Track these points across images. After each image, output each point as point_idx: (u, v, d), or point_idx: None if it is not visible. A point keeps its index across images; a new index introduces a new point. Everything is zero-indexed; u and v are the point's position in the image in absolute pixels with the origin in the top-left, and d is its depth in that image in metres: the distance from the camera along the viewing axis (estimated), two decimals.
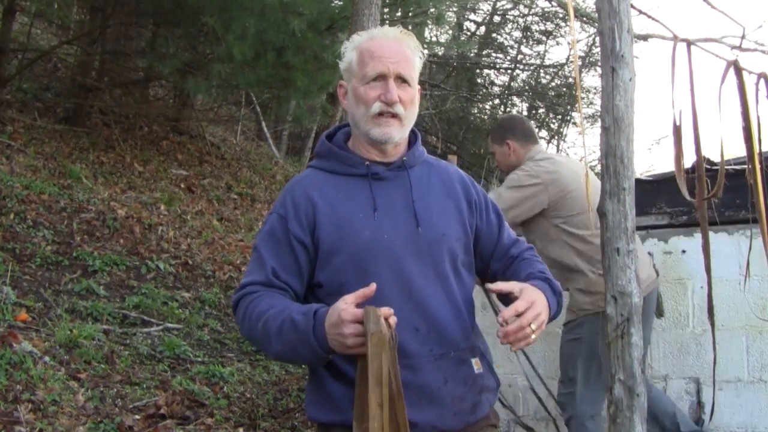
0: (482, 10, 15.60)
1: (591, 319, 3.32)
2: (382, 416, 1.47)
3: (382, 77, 1.76)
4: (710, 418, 3.69)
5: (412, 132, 1.89)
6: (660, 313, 3.86)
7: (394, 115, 1.77)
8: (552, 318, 1.74)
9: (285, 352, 1.64)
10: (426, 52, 1.86)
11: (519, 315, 1.61)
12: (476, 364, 1.77)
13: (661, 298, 3.75)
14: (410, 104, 1.80)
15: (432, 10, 9.10)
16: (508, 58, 15.99)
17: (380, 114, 1.76)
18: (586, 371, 3.35)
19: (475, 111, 16.35)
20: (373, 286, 1.57)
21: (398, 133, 1.79)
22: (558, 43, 15.50)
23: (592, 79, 15.61)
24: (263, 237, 1.79)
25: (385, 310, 1.52)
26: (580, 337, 3.38)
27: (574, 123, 15.81)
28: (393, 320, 1.54)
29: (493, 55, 16.03)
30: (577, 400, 3.35)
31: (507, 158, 3.69)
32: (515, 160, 3.65)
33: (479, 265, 1.89)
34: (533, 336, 1.62)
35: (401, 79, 1.77)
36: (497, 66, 16.16)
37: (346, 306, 1.53)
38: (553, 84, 15.84)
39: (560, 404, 3.47)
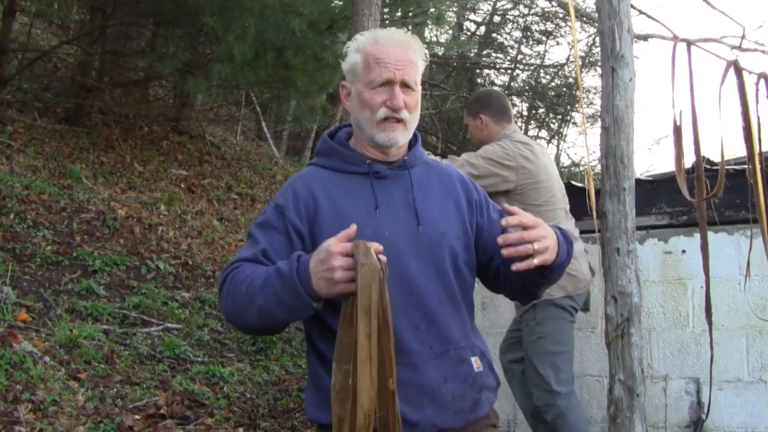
0: (482, 10, 15.61)
1: (544, 309, 3.35)
2: (370, 347, 1.45)
3: (388, 83, 1.77)
4: (706, 417, 3.69)
5: (413, 134, 1.90)
6: (586, 308, 3.90)
7: (399, 120, 1.78)
8: (561, 264, 1.70)
9: (267, 305, 1.59)
10: (426, 51, 1.86)
11: (524, 229, 1.59)
12: (476, 362, 1.78)
13: (589, 294, 3.79)
14: (414, 108, 1.81)
15: (432, 10, 9.10)
16: (508, 58, 16.00)
17: (385, 119, 1.77)
18: (554, 366, 3.36)
19: None
20: (354, 226, 1.56)
21: (402, 137, 1.81)
22: (558, 43, 15.52)
23: (592, 79, 15.61)
24: (258, 223, 1.79)
25: (375, 245, 1.51)
26: (542, 335, 3.39)
27: (574, 123, 15.82)
28: (384, 258, 1.53)
29: (493, 55, 16.04)
30: (556, 399, 3.35)
31: (479, 132, 3.71)
32: (486, 135, 3.66)
33: (483, 262, 1.88)
34: (535, 260, 1.58)
35: (406, 85, 1.78)
36: (497, 66, 16.16)
37: (335, 241, 1.53)
38: (553, 84, 15.84)
39: (542, 409, 3.43)
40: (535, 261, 1.60)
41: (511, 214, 1.62)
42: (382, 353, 1.49)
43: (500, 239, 1.59)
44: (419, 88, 1.83)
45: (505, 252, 1.59)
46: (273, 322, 1.66)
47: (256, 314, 1.62)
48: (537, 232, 1.60)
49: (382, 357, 1.49)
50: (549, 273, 1.72)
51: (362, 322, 1.46)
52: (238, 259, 1.74)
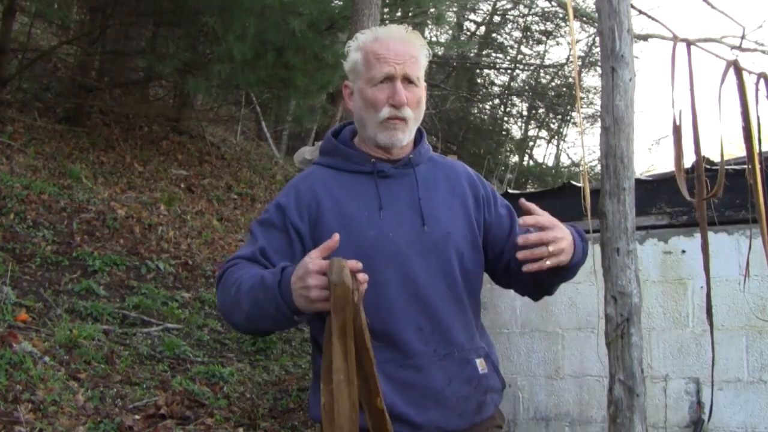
0: (482, 10, 15.62)
1: None
2: (348, 368, 1.43)
3: (389, 79, 1.75)
4: (708, 419, 3.68)
5: (418, 130, 1.87)
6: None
7: (402, 119, 1.76)
8: (576, 262, 1.70)
9: (252, 312, 1.59)
10: (428, 48, 1.85)
11: (541, 230, 1.59)
12: (481, 364, 1.76)
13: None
14: (417, 105, 1.79)
15: (432, 10, 9.10)
16: (508, 58, 16.01)
17: (388, 119, 1.75)
18: None
19: (475, 111, 16.37)
20: (336, 236, 1.53)
21: (405, 136, 1.78)
22: (558, 43, 15.52)
23: (592, 79, 15.64)
24: (260, 221, 1.78)
25: (351, 263, 1.47)
26: None
27: (574, 123, 15.83)
28: (362, 276, 1.49)
29: (493, 55, 16.05)
30: None
31: None
32: None
33: (492, 258, 1.86)
34: (548, 262, 1.58)
35: (408, 80, 1.76)
36: (497, 66, 16.17)
37: (314, 257, 1.50)
38: (553, 84, 15.86)
39: None
40: (548, 263, 1.59)
41: (528, 212, 1.61)
42: (366, 375, 1.45)
43: (520, 239, 1.58)
44: (422, 84, 1.81)
45: (520, 255, 1.59)
46: (259, 328, 1.67)
47: (244, 318, 1.62)
48: (553, 234, 1.60)
49: (366, 377, 1.45)
50: (564, 272, 1.71)
51: (338, 344, 1.43)
52: (236, 256, 1.73)
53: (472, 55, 15.31)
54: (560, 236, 1.61)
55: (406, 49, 1.77)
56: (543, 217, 1.62)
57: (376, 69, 1.75)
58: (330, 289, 1.42)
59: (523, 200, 1.66)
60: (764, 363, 3.68)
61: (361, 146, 1.83)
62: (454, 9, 12.98)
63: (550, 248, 1.59)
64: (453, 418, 1.70)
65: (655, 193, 4.02)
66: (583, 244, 1.73)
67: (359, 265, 1.49)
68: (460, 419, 1.71)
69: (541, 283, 1.79)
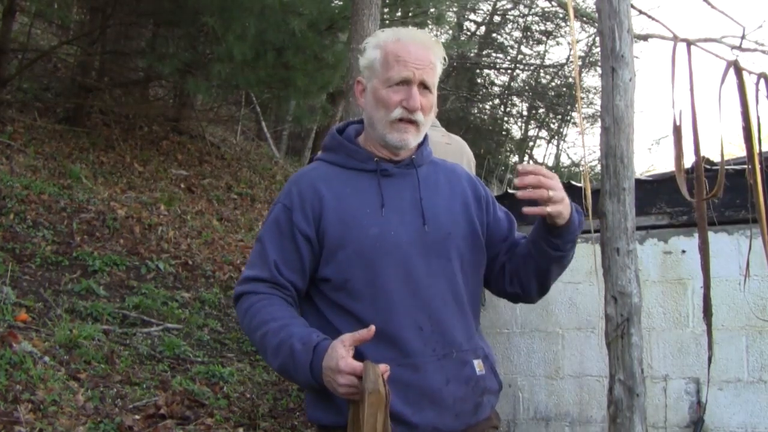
0: (482, 10, 15.61)
1: None
2: None
3: (405, 82, 1.74)
4: (702, 416, 3.68)
5: None
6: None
7: (413, 122, 1.75)
8: (572, 231, 1.71)
9: (281, 370, 1.67)
10: (445, 56, 1.84)
11: (541, 174, 1.61)
12: (479, 365, 1.76)
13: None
14: (429, 111, 1.78)
15: (432, 10, 9.10)
16: (508, 58, 16.01)
17: (400, 120, 1.75)
18: None
19: (475, 111, 16.36)
20: (372, 328, 1.57)
21: (414, 139, 1.78)
22: (558, 43, 15.52)
23: (592, 79, 15.63)
24: (267, 228, 1.78)
25: (383, 367, 1.53)
26: None
27: (574, 123, 15.83)
28: (387, 374, 1.55)
29: (493, 55, 16.05)
30: None
31: None
32: None
33: (488, 260, 1.86)
34: (548, 208, 1.60)
35: (424, 86, 1.76)
36: (497, 66, 16.17)
37: (346, 355, 1.54)
38: (553, 84, 15.85)
39: None
40: (548, 209, 1.60)
41: (524, 173, 1.61)
42: None
43: (519, 167, 1.60)
44: (435, 91, 1.80)
45: (519, 194, 1.60)
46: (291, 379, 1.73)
47: (275, 367, 1.69)
48: (554, 182, 1.62)
49: None
50: (560, 242, 1.71)
51: None
52: (253, 277, 1.75)
53: (472, 55, 15.30)
54: (559, 186, 1.64)
55: (427, 55, 1.76)
56: (541, 168, 1.63)
57: (394, 70, 1.74)
58: (364, 394, 1.49)
59: (520, 166, 1.67)
60: (764, 363, 3.68)
61: (365, 145, 1.82)
62: (454, 9, 12.97)
63: (551, 193, 1.60)
64: (449, 418, 1.70)
65: (655, 193, 4.02)
66: (578, 216, 1.74)
67: (388, 367, 1.55)
68: (456, 420, 1.71)
69: (540, 265, 1.77)
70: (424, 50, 1.76)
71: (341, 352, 1.53)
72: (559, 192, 1.62)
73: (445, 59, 1.82)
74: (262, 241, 1.78)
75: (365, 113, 1.82)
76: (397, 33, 1.80)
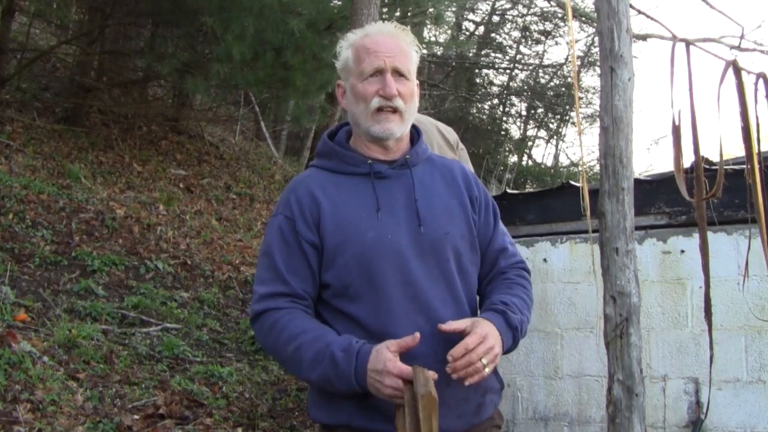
0: (481, 9, 15.63)
1: None
2: None
3: (379, 72, 1.74)
4: (704, 416, 3.68)
5: (415, 130, 1.88)
6: None
7: (394, 110, 1.75)
8: (506, 351, 1.73)
9: (319, 381, 1.65)
10: (425, 51, 1.85)
11: (469, 351, 1.59)
12: None
13: None
14: (410, 98, 1.78)
15: (431, 9, 9.10)
16: (507, 57, 16.02)
17: (379, 109, 1.74)
18: None
19: (474, 111, 16.38)
20: (417, 336, 1.59)
21: (399, 128, 1.77)
22: (557, 43, 15.54)
23: (591, 79, 15.65)
24: (273, 241, 1.76)
25: (431, 373, 1.55)
26: None
27: (573, 123, 15.84)
28: (435, 379, 1.57)
29: (492, 54, 16.06)
30: None
31: None
32: None
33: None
34: (486, 370, 1.61)
35: (398, 73, 1.76)
36: (496, 66, 16.18)
37: (393, 358, 1.55)
38: (552, 84, 15.86)
39: None
40: (487, 370, 1.62)
41: (454, 362, 1.61)
42: None
43: (449, 369, 1.59)
44: (414, 78, 1.80)
45: (454, 376, 1.60)
46: (323, 388, 1.71)
47: (305, 379, 1.71)
48: (483, 347, 1.61)
49: None
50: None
51: None
52: (271, 293, 1.73)
53: (471, 54, 15.31)
54: (490, 345, 1.63)
55: (395, 42, 1.78)
56: (470, 338, 1.61)
57: (365, 63, 1.75)
58: (416, 396, 1.51)
59: (440, 326, 1.66)
60: (763, 363, 3.68)
61: (357, 147, 1.82)
62: (453, 9, 12.96)
63: (484, 361, 1.61)
64: (452, 419, 1.70)
65: (654, 192, 4.02)
66: (511, 332, 1.73)
67: (436, 375, 1.56)
68: (458, 420, 1.71)
69: None
70: (392, 38, 1.78)
71: (388, 355, 1.56)
72: (491, 353, 1.62)
73: (418, 46, 1.82)
74: (270, 255, 1.75)
75: (349, 113, 1.83)
76: (365, 30, 1.83)
